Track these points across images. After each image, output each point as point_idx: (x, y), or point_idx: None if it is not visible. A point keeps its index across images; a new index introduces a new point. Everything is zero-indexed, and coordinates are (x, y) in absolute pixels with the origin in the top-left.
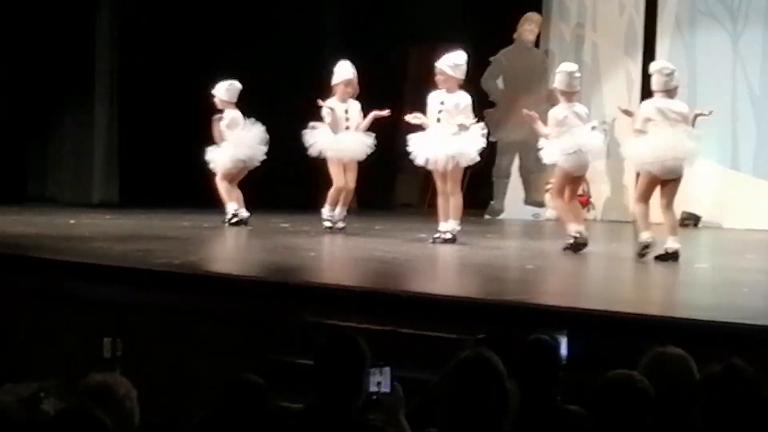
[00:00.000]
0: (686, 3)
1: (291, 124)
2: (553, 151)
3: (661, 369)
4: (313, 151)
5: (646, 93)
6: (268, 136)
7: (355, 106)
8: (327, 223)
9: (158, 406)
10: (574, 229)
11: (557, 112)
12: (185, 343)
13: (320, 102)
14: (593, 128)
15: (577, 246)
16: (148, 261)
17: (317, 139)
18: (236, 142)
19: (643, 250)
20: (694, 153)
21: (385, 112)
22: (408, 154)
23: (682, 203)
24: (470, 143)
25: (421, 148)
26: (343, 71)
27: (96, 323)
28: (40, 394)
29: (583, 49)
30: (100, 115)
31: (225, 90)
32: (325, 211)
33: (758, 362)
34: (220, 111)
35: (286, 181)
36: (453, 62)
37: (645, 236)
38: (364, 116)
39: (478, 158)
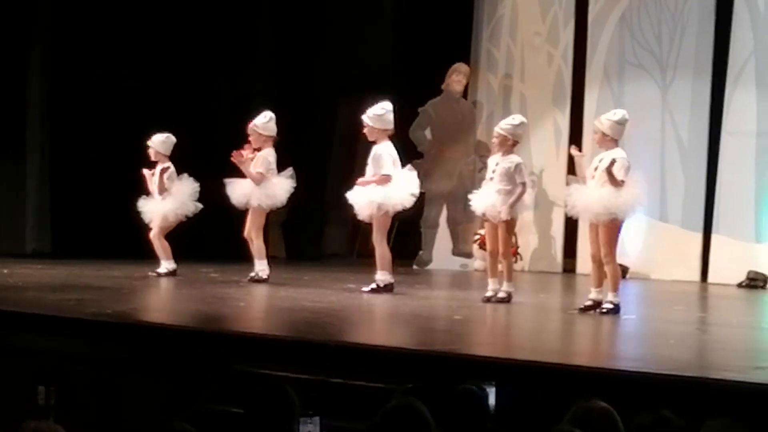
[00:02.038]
0: (615, 53)
1: (219, 174)
2: None
3: (586, 423)
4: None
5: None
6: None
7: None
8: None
9: None
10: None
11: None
12: (118, 392)
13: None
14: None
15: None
16: (81, 311)
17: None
18: (177, 195)
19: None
20: None
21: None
22: (336, 204)
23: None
24: (395, 191)
25: (354, 200)
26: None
27: (30, 371)
28: None
29: (511, 100)
30: (32, 165)
31: (162, 142)
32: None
33: (685, 414)
34: (154, 163)
35: (214, 231)
36: (374, 113)
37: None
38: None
39: (403, 206)
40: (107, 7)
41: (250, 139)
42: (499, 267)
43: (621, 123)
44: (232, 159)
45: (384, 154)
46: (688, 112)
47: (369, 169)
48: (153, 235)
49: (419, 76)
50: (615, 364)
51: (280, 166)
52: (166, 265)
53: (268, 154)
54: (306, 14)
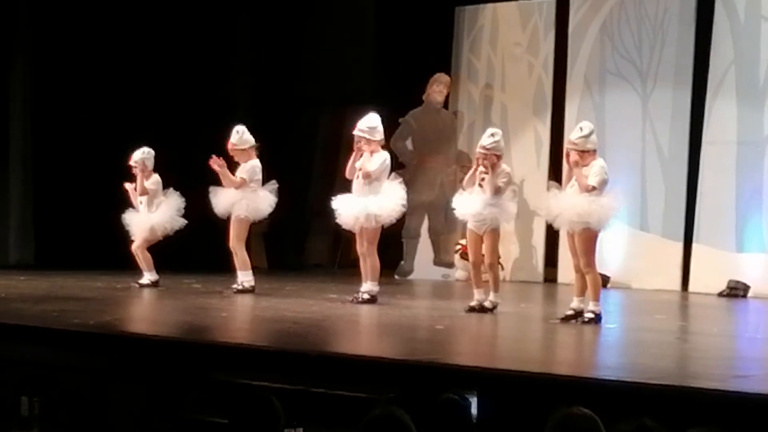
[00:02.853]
0: (596, 63)
1: (200, 185)
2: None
3: (569, 429)
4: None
5: (555, 153)
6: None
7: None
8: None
9: None
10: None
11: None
12: (102, 402)
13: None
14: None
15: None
16: (64, 321)
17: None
18: (164, 210)
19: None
20: None
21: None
22: (318, 214)
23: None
24: (387, 202)
25: (341, 209)
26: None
27: (14, 382)
28: None
29: (492, 110)
30: (15, 177)
31: (142, 159)
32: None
33: (666, 423)
34: (133, 178)
35: (197, 242)
36: (368, 126)
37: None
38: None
39: (394, 218)
40: (88, 21)
41: (235, 159)
42: (484, 277)
43: (591, 133)
44: (210, 164)
45: (386, 159)
46: (668, 122)
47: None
48: (136, 246)
49: (400, 86)
50: (597, 373)
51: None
52: (148, 276)
53: (255, 164)
54: (286, 23)
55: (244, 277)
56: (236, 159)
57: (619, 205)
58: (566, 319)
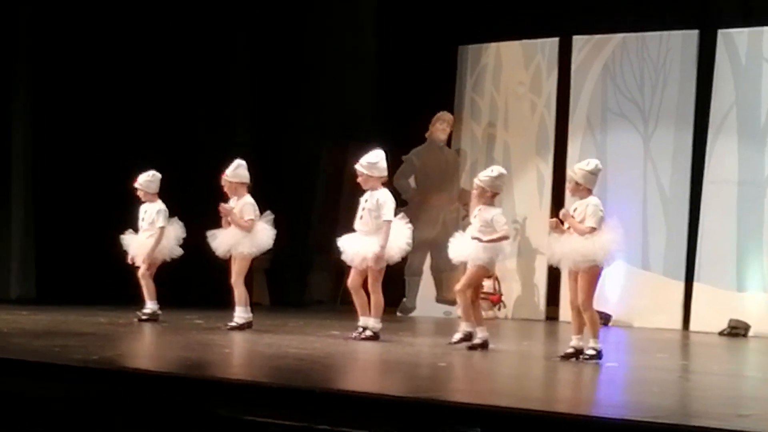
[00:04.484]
0: (598, 103)
1: (202, 219)
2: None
3: None
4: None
5: (557, 192)
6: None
7: (238, 203)
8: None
9: None
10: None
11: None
12: None
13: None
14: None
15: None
16: (66, 356)
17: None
18: (167, 236)
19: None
20: None
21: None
22: (320, 250)
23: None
24: (394, 241)
25: (347, 247)
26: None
27: (14, 417)
28: None
29: (494, 148)
30: (17, 211)
31: (148, 182)
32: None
33: None
34: (141, 202)
35: (199, 278)
36: (368, 162)
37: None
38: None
39: (399, 256)
40: (88, 53)
41: (225, 190)
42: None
43: (594, 173)
44: (219, 212)
45: (389, 200)
46: (670, 161)
47: (366, 214)
48: (142, 274)
49: (403, 123)
50: (599, 411)
51: (263, 211)
52: (150, 306)
53: (251, 201)
54: (289, 60)
55: (240, 313)
56: (226, 191)
57: (621, 237)
58: (566, 357)
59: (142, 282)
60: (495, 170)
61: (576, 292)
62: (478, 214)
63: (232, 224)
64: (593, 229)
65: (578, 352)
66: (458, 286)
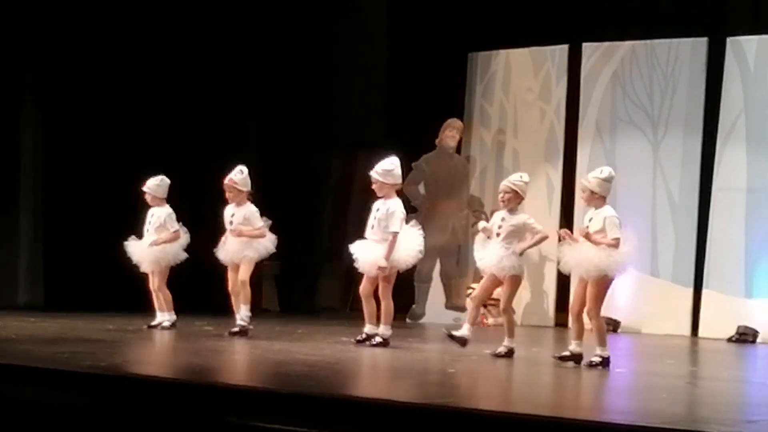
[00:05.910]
0: (607, 110)
1: (210, 226)
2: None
3: None
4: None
5: (567, 199)
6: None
7: (238, 210)
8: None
9: None
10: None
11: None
12: None
13: None
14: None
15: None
16: (75, 363)
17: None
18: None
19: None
20: None
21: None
22: (329, 257)
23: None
24: (404, 248)
25: (359, 254)
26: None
27: (22, 424)
28: None
29: (504, 155)
30: (26, 218)
31: (157, 186)
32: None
33: None
34: (149, 207)
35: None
36: (383, 169)
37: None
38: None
39: (411, 263)
40: (97, 62)
41: (228, 195)
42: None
43: (608, 180)
44: (232, 234)
45: (398, 211)
46: (679, 168)
47: (377, 224)
48: (156, 286)
49: (413, 130)
50: (608, 417)
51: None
52: (167, 316)
53: (254, 209)
54: (299, 67)
55: (245, 313)
56: (229, 196)
57: (635, 250)
58: (562, 359)
59: (159, 294)
60: (525, 176)
61: (579, 298)
62: (505, 218)
63: (241, 235)
64: (617, 240)
65: (575, 357)
66: (505, 305)
